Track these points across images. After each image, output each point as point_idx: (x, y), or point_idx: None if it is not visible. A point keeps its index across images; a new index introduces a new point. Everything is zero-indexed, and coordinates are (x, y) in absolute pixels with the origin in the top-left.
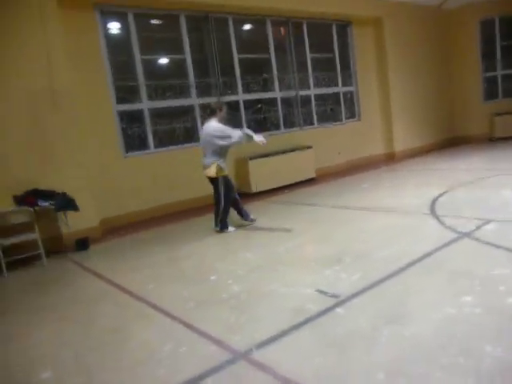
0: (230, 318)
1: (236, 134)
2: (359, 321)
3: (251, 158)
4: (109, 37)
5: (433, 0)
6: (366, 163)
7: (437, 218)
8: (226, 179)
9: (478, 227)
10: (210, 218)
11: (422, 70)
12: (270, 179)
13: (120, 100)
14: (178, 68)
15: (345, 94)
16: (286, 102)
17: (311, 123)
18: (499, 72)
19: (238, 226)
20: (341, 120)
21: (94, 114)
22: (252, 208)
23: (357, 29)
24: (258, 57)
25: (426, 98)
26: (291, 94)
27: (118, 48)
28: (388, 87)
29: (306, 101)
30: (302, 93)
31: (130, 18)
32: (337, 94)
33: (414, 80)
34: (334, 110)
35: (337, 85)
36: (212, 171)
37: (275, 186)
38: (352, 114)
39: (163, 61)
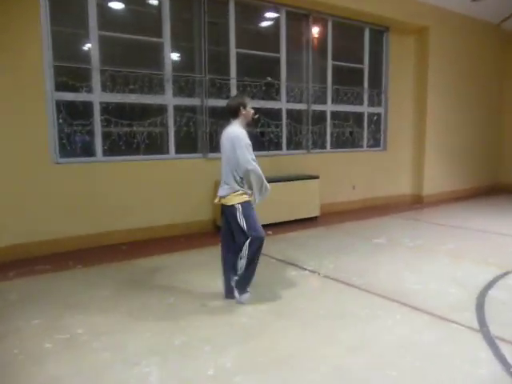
0: None
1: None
2: None
3: None
4: None
5: (492, 15)
6: (385, 204)
7: (490, 341)
8: (250, 207)
9: None
10: (179, 262)
11: (470, 98)
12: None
13: (61, 86)
14: (151, 54)
15: (370, 115)
16: (294, 116)
17: (323, 146)
18: None
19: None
20: (361, 147)
21: (17, 100)
22: (208, 256)
23: (394, 37)
24: (264, 55)
25: (470, 133)
26: (301, 107)
27: (66, 16)
28: (425, 114)
29: (319, 118)
30: (316, 107)
31: None
32: (360, 115)
33: (458, 109)
34: (353, 133)
35: (361, 103)
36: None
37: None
38: (376, 142)
39: (131, 42)
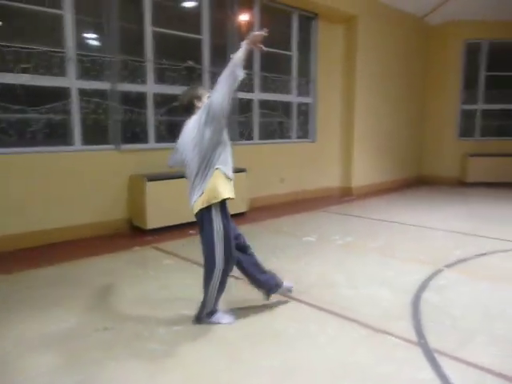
0: None
1: (226, 77)
2: None
3: (150, 179)
4: None
5: (417, 8)
6: (315, 197)
7: (430, 356)
8: (223, 207)
9: None
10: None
11: (397, 91)
12: (176, 211)
13: None
14: (48, 27)
15: (299, 105)
16: None
17: (250, 137)
18: (480, 106)
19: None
20: (290, 138)
21: None
22: (121, 263)
23: (323, 25)
24: (185, 36)
25: (396, 126)
26: None
27: None
28: (353, 106)
29: (246, 107)
30: (242, 95)
31: None
32: (289, 105)
33: (385, 101)
34: (283, 124)
35: (290, 92)
36: (205, 197)
37: (181, 222)
38: (305, 133)
39: (25, 12)
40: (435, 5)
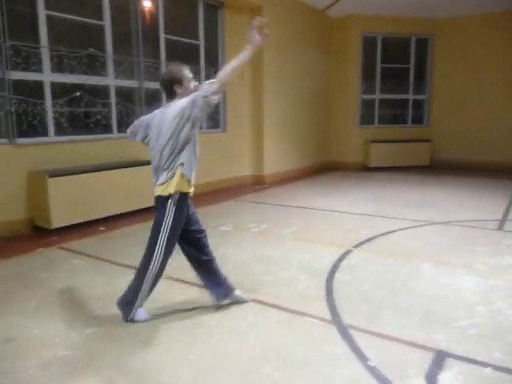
0: None
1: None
2: None
3: (52, 175)
4: None
5: (318, 1)
6: (228, 187)
7: (344, 332)
8: (181, 201)
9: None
10: None
11: (301, 80)
12: (84, 208)
13: None
14: None
15: None
16: (125, 94)
17: None
18: (377, 96)
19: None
20: (200, 128)
21: None
22: (19, 268)
23: (230, 14)
24: (84, 21)
25: (303, 114)
26: (133, 84)
27: None
28: (262, 96)
29: (153, 97)
30: (150, 85)
31: None
32: None
33: (292, 90)
34: None
35: (199, 81)
36: (171, 185)
37: (90, 219)
38: (215, 123)
39: None
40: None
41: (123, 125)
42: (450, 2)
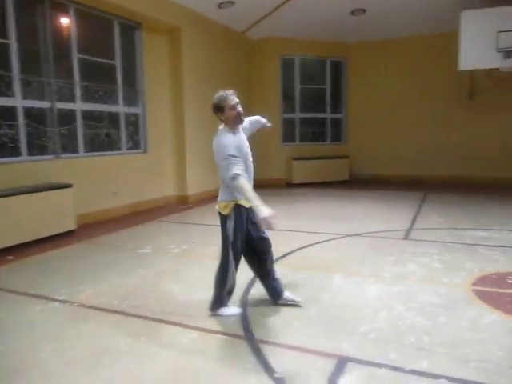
0: None
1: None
2: None
3: None
4: None
5: (236, 24)
6: (151, 208)
7: (255, 347)
8: (237, 219)
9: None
10: None
11: None
12: None
13: None
14: None
15: (127, 115)
16: (35, 115)
17: (75, 150)
18: (297, 115)
19: None
20: (120, 149)
21: None
22: None
23: (148, 35)
24: None
25: None
26: (44, 104)
27: None
28: (183, 115)
29: (67, 118)
30: (62, 106)
31: None
32: (116, 115)
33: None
34: (110, 135)
35: (117, 103)
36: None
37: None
38: (136, 144)
39: None
40: (252, 21)
41: (33, 148)
42: (359, 29)
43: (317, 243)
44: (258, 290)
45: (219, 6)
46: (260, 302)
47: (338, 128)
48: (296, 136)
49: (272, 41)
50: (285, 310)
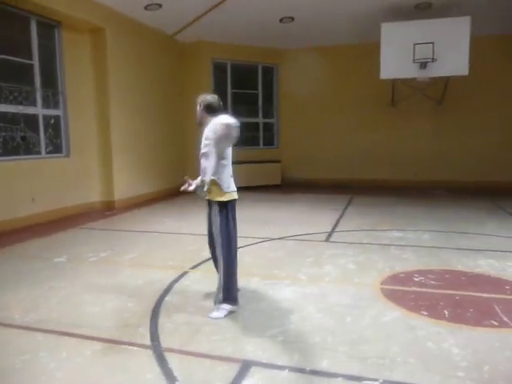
0: None
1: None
2: None
3: None
4: None
5: (165, 27)
6: (74, 214)
7: (160, 356)
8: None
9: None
10: None
11: (154, 105)
12: None
13: None
14: None
15: (46, 118)
16: None
17: None
18: None
19: None
20: (39, 153)
21: None
22: None
23: (69, 35)
24: None
25: (158, 139)
26: None
27: None
28: (109, 119)
29: None
30: None
31: None
32: (34, 117)
33: (144, 115)
34: (27, 138)
35: (35, 104)
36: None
37: None
38: (57, 148)
39: None
40: (181, 25)
41: None
42: (289, 36)
43: (239, 248)
44: (172, 298)
45: (146, 8)
46: (173, 310)
47: (270, 132)
48: None
49: (203, 45)
50: (196, 317)
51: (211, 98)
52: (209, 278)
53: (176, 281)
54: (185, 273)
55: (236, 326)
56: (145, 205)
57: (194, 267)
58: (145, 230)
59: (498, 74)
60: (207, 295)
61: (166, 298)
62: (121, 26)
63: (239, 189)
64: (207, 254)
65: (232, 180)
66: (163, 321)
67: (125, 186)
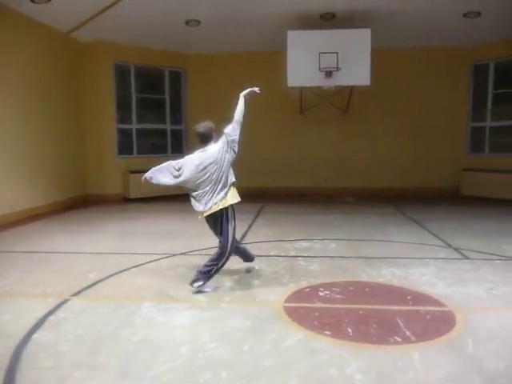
0: None
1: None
2: None
3: None
4: None
5: (57, 23)
6: None
7: None
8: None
9: None
10: None
11: (46, 110)
12: None
13: None
14: None
15: None
16: None
17: None
18: (134, 126)
19: None
20: None
21: None
22: None
23: None
24: None
25: (51, 147)
26: None
27: None
28: None
29: None
30: None
31: None
32: None
33: (36, 121)
34: None
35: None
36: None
37: None
38: None
39: None
40: (77, 22)
41: None
42: (196, 41)
43: (134, 267)
44: (43, 334)
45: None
46: (39, 351)
47: (179, 139)
48: (133, 148)
49: (104, 45)
50: (67, 358)
51: (201, 127)
52: (90, 308)
53: (51, 313)
54: (65, 301)
55: (115, 366)
56: (36, 219)
57: (76, 294)
58: (29, 250)
59: (400, 83)
60: (87, 328)
61: (35, 336)
62: (2, 19)
63: (146, 199)
64: (95, 276)
65: None
66: (25, 366)
67: (11, 200)
